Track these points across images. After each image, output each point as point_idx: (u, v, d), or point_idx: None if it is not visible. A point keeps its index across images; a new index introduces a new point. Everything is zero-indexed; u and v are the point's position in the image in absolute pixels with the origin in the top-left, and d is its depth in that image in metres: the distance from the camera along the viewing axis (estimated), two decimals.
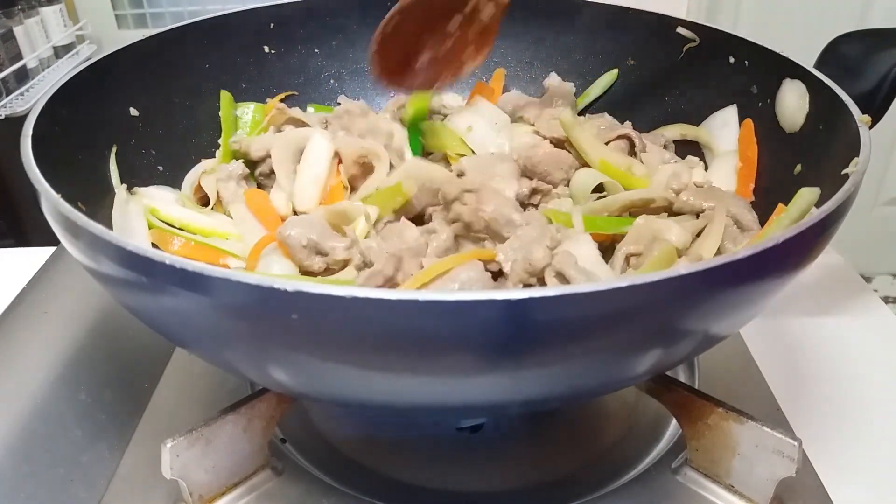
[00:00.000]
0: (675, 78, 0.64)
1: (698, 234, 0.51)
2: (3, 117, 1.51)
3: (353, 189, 0.58)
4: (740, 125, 0.59)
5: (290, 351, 0.35)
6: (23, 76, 1.66)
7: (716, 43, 0.61)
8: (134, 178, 0.56)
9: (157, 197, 0.57)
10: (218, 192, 0.58)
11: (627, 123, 0.64)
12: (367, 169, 0.58)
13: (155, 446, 0.42)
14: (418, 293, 0.29)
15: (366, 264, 0.48)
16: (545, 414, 0.55)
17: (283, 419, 0.48)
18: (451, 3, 0.56)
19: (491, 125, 0.62)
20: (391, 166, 0.58)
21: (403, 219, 0.52)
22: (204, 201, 0.60)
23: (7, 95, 1.58)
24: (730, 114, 0.60)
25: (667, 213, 0.54)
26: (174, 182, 0.60)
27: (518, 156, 0.58)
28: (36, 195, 0.38)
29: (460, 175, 0.55)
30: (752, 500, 0.45)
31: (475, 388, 0.36)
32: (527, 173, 0.58)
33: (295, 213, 0.57)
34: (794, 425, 0.51)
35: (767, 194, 0.54)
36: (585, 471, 0.50)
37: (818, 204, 0.46)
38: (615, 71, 0.69)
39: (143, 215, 0.54)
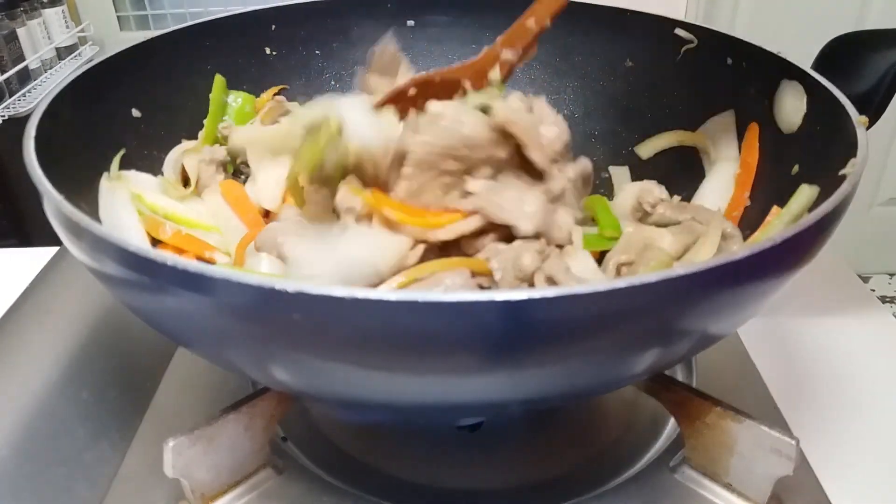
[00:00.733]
0: (673, 79, 0.64)
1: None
2: (6, 118, 1.52)
3: None
4: (745, 129, 0.59)
5: (291, 350, 0.35)
6: (25, 77, 1.66)
7: (713, 44, 0.61)
8: None
9: (140, 182, 0.57)
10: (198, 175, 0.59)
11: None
12: None
13: (157, 445, 0.42)
14: (418, 294, 0.29)
15: None
16: (544, 413, 0.55)
17: (285, 418, 0.48)
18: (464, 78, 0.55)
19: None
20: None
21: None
22: (185, 181, 0.60)
23: (10, 96, 1.59)
24: (728, 119, 0.61)
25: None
26: None
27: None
28: (38, 196, 0.38)
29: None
30: (750, 498, 0.45)
31: (474, 388, 0.36)
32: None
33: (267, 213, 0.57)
34: (792, 424, 0.52)
35: (764, 195, 0.54)
36: (584, 469, 0.50)
37: (816, 204, 0.46)
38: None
39: (132, 203, 0.54)
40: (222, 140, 0.64)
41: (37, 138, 0.42)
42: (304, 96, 0.70)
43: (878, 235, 2.09)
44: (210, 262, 0.53)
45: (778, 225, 0.48)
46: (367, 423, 0.54)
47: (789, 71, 0.54)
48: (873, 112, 0.50)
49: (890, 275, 2.19)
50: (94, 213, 0.49)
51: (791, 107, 0.53)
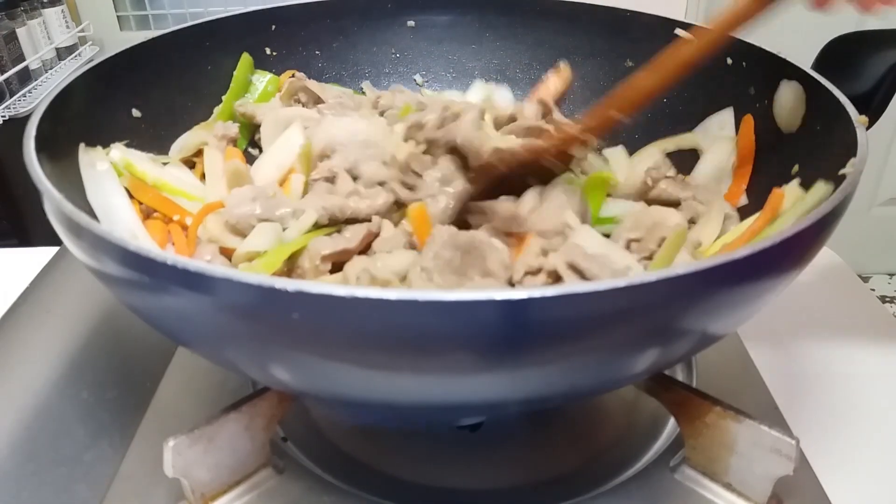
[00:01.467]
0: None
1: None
2: (6, 118, 1.52)
3: None
4: (739, 124, 0.60)
5: (291, 350, 0.35)
6: (25, 77, 1.66)
7: None
8: None
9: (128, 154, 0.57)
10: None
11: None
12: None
13: (157, 445, 0.42)
14: (418, 293, 0.29)
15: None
16: (544, 412, 0.55)
17: (285, 418, 0.48)
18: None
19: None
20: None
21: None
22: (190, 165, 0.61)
23: (10, 97, 1.59)
24: (727, 117, 0.61)
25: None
26: None
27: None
28: (38, 196, 0.38)
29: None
30: (750, 498, 0.45)
31: (474, 388, 0.36)
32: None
33: None
34: (792, 424, 0.52)
35: (764, 195, 0.54)
36: (584, 469, 0.50)
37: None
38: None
39: (117, 182, 0.53)
40: (239, 117, 0.64)
41: (37, 138, 0.42)
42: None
43: (879, 235, 2.09)
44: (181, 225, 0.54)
45: (794, 215, 0.48)
46: (367, 424, 0.54)
47: (789, 71, 0.54)
48: (873, 112, 0.50)
49: (890, 275, 2.19)
50: (93, 212, 0.49)
51: (791, 107, 0.53)
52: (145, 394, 0.55)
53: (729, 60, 0.59)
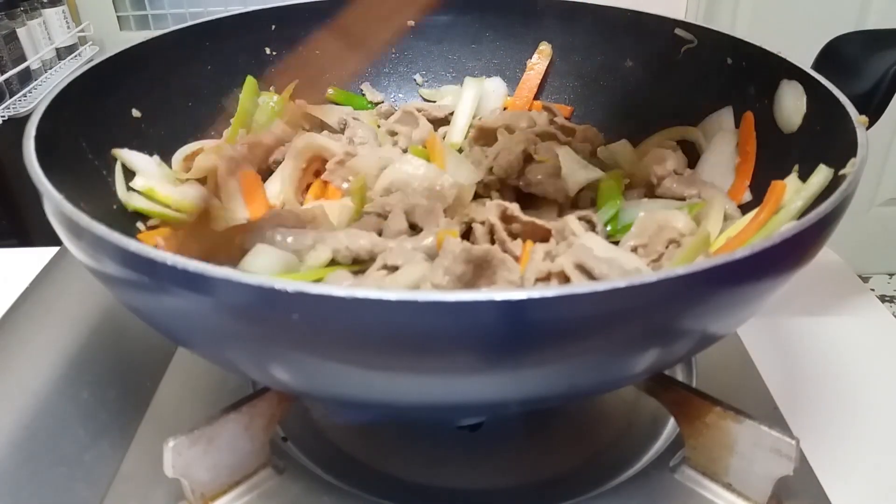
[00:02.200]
0: (673, 79, 0.64)
1: None
2: (6, 118, 1.52)
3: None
4: (740, 121, 0.60)
5: (291, 350, 0.35)
6: (26, 77, 1.66)
7: (713, 44, 0.61)
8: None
9: (135, 162, 0.57)
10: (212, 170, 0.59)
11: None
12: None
13: (157, 445, 0.42)
14: (418, 294, 0.29)
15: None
16: (544, 412, 0.55)
17: (285, 418, 0.48)
18: None
19: None
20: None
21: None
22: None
23: (10, 97, 1.59)
24: (726, 115, 0.61)
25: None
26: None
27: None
28: (38, 196, 0.38)
29: None
30: (750, 498, 0.45)
31: (474, 388, 0.36)
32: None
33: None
34: (792, 424, 0.52)
35: (764, 194, 0.54)
36: (584, 469, 0.50)
37: (816, 202, 0.47)
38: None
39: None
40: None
41: (37, 138, 0.42)
42: (304, 97, 0.70)
43: (879, 235, 2.09)
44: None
45: (796, 201, 0.48)
46: (366, 423, 0.54)
47: (789, 71, 0.54)
48: (873, 112, 0.50)
49: (890, 275, 2.19)
50: (94, 213, 0.48)
51: (791, 107, 0.53)
52: (145, 394, 0.55)
53: (729, 60, 0.59)
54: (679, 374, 0.57)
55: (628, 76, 0.69)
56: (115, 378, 0.58)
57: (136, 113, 0.58)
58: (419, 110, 0.69)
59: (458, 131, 0.69)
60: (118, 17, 1.94)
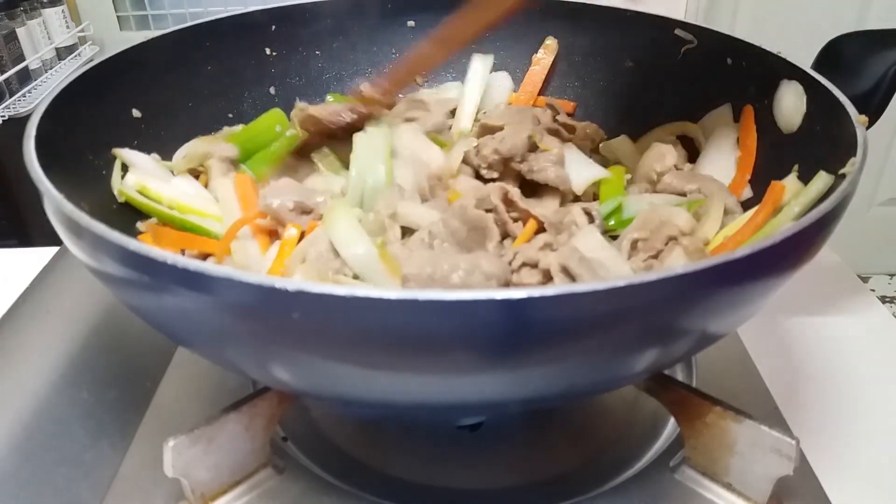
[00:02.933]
0: (673, 79, 0.64)
1: None
2: (6, 118, 1.52)
3: None
4: (739, 116, 0.60)
5: (291, 349, 0.35)
6: (25, 77, 1.66)
7: (713, 44, 0.61)
8: None
9: (135, 161, 0.57)
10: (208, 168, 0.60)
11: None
12: None
13: (157, 445, 0.42)
14: (418, 293, 0.29)
15: None
16: (544, 412, 0.55)
17: (285, 417, 0.48)
18: None
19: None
20: None
21: None
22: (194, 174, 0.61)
23: (10, 97, 1.59)
24: (725, 111, 0.61)
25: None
26: None
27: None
28: (38, 196, 0.38)
29: None
30: (750, 498, 0.45)
31: (474, 387, 0.36)
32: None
33: None
34: (792, 424, 0.52)
35: (763, 194, 0.54)
36: (584, 468, 0.50)
37: (815, 204, 0.46)
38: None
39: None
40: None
41: (37, 138, 0.42)
42: (304, 97, 0.70)
43: (878, 235, 2.09)
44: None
45: (794, 206, 0.48)
46: (367, 419, 0.54)
47: (789, 71, 0.54)
48: (873, 112, 0.50)
49: (890, 275, 2.20)
50: (94, 213, 0.49)
51: (791, 107, 0.53)
52: (145, 394, 0.55)
53: (729, 60, 0.59)
54: (679, 374, 0.57)
55: (628, 77, 0.69)
56: (115, 378, 0.58)
57: (136, 113, 0.58)
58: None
59: (466, 116, 0.69)
60: (118, 17, 1.94)
